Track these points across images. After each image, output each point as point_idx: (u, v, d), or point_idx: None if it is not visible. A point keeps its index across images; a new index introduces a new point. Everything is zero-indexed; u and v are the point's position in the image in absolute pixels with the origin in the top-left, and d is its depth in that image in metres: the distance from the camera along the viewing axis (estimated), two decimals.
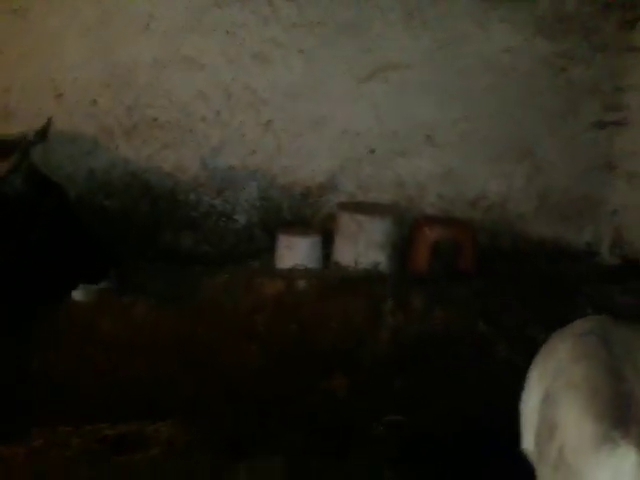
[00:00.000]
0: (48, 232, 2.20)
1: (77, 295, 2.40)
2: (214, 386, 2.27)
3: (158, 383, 2.35)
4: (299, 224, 2.81)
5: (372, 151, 2.94)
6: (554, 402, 1.04)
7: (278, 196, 2.88)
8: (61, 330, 2.34)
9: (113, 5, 2.60)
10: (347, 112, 2.91)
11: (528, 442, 1.19)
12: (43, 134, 2.10)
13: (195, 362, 2.29)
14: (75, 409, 2.35)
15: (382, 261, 2.64)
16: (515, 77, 2.88)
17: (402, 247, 2.79)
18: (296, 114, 2.86)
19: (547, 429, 1.03)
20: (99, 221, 2.71)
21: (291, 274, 2.33)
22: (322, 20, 2.80)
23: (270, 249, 2.73)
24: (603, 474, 0.81)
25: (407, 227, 2.83)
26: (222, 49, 2.77)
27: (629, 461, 0.78)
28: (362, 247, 2.63)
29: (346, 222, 2.67)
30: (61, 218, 2.25)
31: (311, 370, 2.32)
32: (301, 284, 2.26)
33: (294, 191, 2.88)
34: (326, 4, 2.78)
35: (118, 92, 2.73)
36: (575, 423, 0.92)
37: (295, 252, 2.56)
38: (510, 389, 1.37)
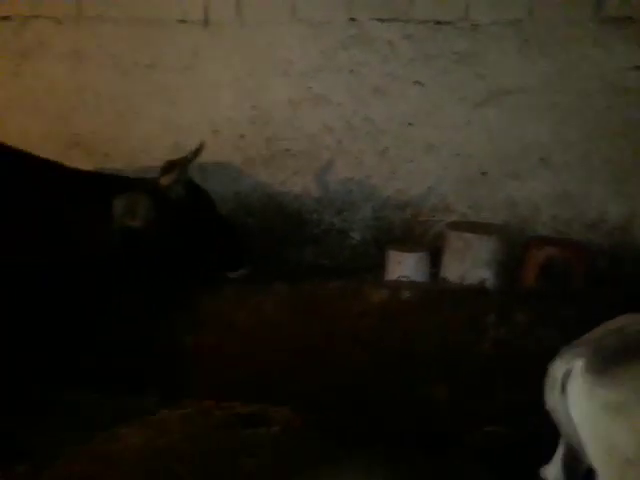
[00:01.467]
0: (202, 229, 2.70)
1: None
2: (325, 379, 2.59)
3: (280, 372, 2.76)
4: (409, 241, 3.05)
5: (484, 173, 3.08)
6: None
7: (391, 215, 3.15)
8: (205, 318, 2.88)
9: (259, 58, 3.14)
10: (460, 136, 3.09)
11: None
12: (197, 153, 2.55)
13: (310, 357, 2.65)
14: (215, 387, 2.86)
15: (488, 279, 2.75)
16: (638, 96, 2.80)
17: (512, 267, 2.87)
18: (410, 140, 3.11)
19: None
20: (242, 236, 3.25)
21: (396, 284, 2.58)
22: (437, 53, 3.04)
23: (382, 264, 3.00)
24: None
25: (519, 247, 2.91)
26: (346, 86, 3.14)
27: None
28: (469, 264, 2.77)
29: (454, 240, 2.84)
30: (211, 218, 2.78)
31: (412, 374, 2.53)
32: (405, 294, 2.49)
33: (406, 211, 3.14)
34: (441, 39, 3.02)
35: (260, 128, 3.26)
36: None
37: (403, 266, 2.79)
38: None
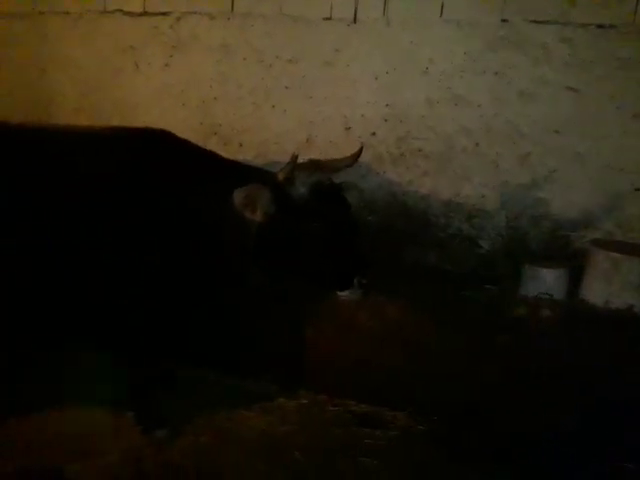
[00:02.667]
0: (314, 237, 2.40)
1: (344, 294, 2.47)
2: (449, 390, 2.52)
3: (399, 377, 2.72)
4: (546, 256, 2.86)
5: (638, 189, 2.81)
6: None
7: (526, 227, 2.98)
8: (327, 313, 2.91)
9: (400, 56, 3.11)
10: (613, 147, 2.85)
11: None
12: (355, 159, 2.52)
13: (434, 365, 2.58)
14: (331, 383, 2.89)
15: (637, 305, 2.52)
16: None
17: None
18: (555, 148, 2.92)
19: None
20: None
21: (536, 301, 2.44)
22: (597, 58, 2.81)
23: (510, 277, 2.85)
24: None
25: None
26: (489, 88, 3.01)
27: None
28: (616, 287, 2.55)
29: (600, 260, 2.62)
30: (333, 229, 2.44)
31: (542, 398, 2.37)
32: (545, 312, 2.35)
33: (543, 223, 2.95)
34: (603, 44, 2.79)
35: (393, 126, 3.23)
36: None
37: (540, 283, 2.63)
38: None
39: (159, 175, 2.38)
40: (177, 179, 2.41)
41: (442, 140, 3.14)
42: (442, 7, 2.98)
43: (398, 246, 3.35)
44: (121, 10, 3.59)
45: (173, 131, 2.65)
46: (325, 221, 2.36)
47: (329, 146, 3.36)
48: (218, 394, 2.85)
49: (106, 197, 2.25)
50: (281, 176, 2.32)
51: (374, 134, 3.28)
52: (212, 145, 3.54)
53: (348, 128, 3.31)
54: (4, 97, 3.99)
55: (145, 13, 3.55)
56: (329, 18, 3.17)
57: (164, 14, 3.49)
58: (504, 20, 2.90)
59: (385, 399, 2.74)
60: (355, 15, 3.10)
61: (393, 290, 3.01)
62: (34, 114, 3.88)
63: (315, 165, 2.46)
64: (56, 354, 2.97)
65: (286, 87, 3.37)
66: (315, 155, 3.37)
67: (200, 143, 2.97)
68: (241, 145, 3.57)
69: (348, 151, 3.27)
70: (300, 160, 2.44)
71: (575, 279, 2.72)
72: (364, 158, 3.36)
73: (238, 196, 2.27)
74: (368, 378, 2.82)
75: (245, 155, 3.56)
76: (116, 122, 3.62)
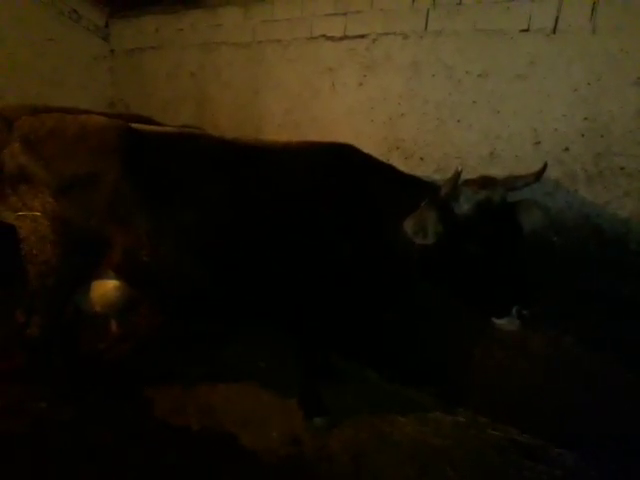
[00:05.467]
0: (474, 258, 2.25)
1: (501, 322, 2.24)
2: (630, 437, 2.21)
3: (573, 411, 2.48)
4: None
5: None
6: None
7: None
8: (498, 335, 2.79)
9: (606, 65, 2.83)
10: None
11: None
12: (537, 177, 2.36)
13: (614, 406, 2.29)
14: (494, 407, 2.77)
15: None
16: None
17: None
18: None
19: None
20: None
21: None
22: None
23: None
24: None
25: None
26: None
27: None
28: None
29: None
30: (501, 245, 2.23)
31: None
32: None
33: None
34: None
35: (590, 141, 2.95)
36: None
37: None
38: None
39: (340, 183, 2.60)
40: (354, 188, 2.59)
41: None
42: None
43: (587, 272, 3.04)
44: (325, 35, 3.99)
45: (359, 146, 2.87)
46: (486, 243, 2.20)
47: (514, 161, 3.22)
48: (378, 396, 2.97)
49: (297, 202, 2.55)
50: (443, 191, 2.26)
51: (567, 149, 3.04)
52: (394, 159, 3.70)
53: (537, 143, 3.13)
54: (225, 115, 4.77)
55: (345, 37, 3.88)
56: (526, 30, 3.06)
57: (362, 37, 3.77)
58: None
59: (553, 434, 2.53)
60: (555, 24, 2.92)
61: (574, 319, 2.75)
62: (247, 129, 4.54)
63: (486, 182, 2.33)
64: (246, 335, 3.43)
65: (473, 102, 3.34)
66: (499, 170, 3.29)
67: (383, 157, 3.14)
68: (422, 159, 3.64)
69: (535, 166, 3.13)
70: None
71: None
72: (553, 174, 3.15)
73: (409, 225, 2.26)
74: (536, 409, 2.64)
75: (425, 169, 3.62)
76: (312, 137, 4.02)
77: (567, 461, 2.39)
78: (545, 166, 2.32)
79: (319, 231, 2.51)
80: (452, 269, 2.34)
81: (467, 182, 2.35)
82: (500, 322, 2.19)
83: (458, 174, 2.20)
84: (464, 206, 2.25)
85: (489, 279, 2.19)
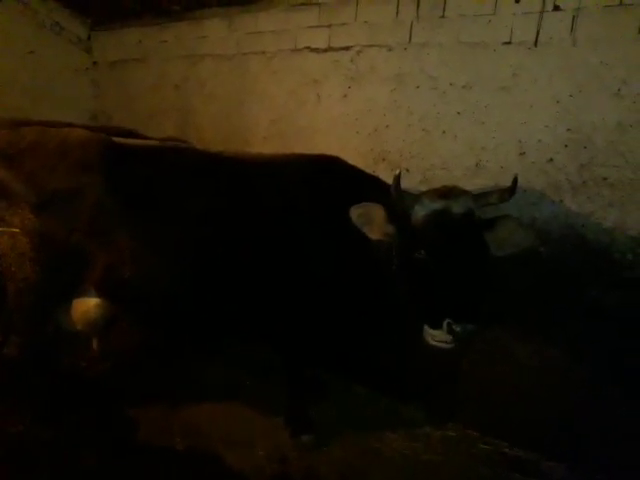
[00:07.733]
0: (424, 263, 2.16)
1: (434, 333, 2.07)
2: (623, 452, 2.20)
3: (560, 423, 2.46)
4: None
5: None
6: None
7: None
8: (485, 346, 2.78)
9: (587, 77, 2.87)
10: None
11: None
12: (511, 193, 2.25)
13: (605, 420, 2.28)
14: (483, 420, 2.74)
15: None
16: None
17: None
18: None
19: None
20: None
21: None
22: None
23: None
24: None
25: None
26: None
27: None
28: None
29: None
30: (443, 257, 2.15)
31: None
32: None
33: None
34: None
35: (574, 152, 2.98)
36: None
37: None
38: None
39: (325, 197, 2.58)
40: (340, 201, 2.57)
41: (633, 168, 2.79)
42: None
43: (572, 283, 3.05)
44: (309, 47, 3.99)
45: (345, 157, 2.86)
46: (432, 251, 2.13)
47: (500, 172, 3.24)
48: (366, 412, 2.92)
49: (282, 216, 2.52)
50: (392, 193, 2.24)
51: (551, 160, 3.07)
52: (380, 170, 3.69)
53: (522, 154, 3.15)
54: (209, 127, 4.73)
55: (330, 49, 3.89)
56: (509, 42, 3.09)
57: (346, 48, 3.78)
58: None
59: (543, 447, 2.52)
60: (537, 37, 2.96)
61: (561, 330, 2.76)
62: (232, 141, 4.52)
63: (449, 192, 2.26)
64: (229, 352, 3.36)
65: (458, 113, 3.36)
66: (484, 181, 3.30)
67: (369, 169, 3.13)
68: (408, 170, 3.64)
69: (521, 178, 3.14)
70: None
71: None
72: (538, 185, 3.17)
73: (353, 213, 2.28)
74: (527, 422, 2.62)
75: (410, 180, 3.62)
76: (298, 148, 4.01)
77: (558, 474, 2.37)
78: (516, 183, 2.24)
79: (305, 245, 2.48)
80: (401, 276, 2.31)
81: (428, 191, 2.33)
82: (432, 332, 2.05)
83: (398, 177, 2.23)
84: (419, 213, 2.23)
85: (428, 286, 2.12)
